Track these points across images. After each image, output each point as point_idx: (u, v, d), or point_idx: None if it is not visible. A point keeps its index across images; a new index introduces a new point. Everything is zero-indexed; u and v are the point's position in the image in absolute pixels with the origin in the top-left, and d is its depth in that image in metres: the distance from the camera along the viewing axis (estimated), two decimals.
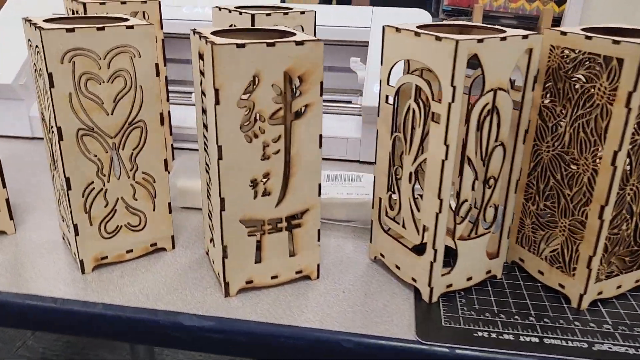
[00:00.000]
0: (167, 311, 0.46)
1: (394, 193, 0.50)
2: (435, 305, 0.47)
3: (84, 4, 0.61)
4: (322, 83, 0.44)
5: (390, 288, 0.50)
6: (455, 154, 0.43)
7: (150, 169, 0.51)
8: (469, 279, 0.49)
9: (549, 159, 0.48)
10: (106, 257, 0.52)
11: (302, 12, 0.62)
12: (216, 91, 0.41)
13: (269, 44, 0.41)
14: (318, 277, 0.51)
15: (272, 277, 0.49)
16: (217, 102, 0.42)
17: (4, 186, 0.56)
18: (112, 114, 0.48)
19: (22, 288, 0.49)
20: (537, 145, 0.48)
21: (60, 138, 0.46)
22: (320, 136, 0.46)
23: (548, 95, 0.47)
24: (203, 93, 0.45)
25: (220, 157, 0.43)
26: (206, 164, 0.48)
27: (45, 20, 0.48)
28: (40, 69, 0.46)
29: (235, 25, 0.61)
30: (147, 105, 0.49)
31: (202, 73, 0.44)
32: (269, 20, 0.60)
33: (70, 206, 0.48)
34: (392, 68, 0.46)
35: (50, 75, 0.44)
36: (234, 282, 0.48)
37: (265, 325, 0.45)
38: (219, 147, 0.43)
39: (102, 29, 0.45)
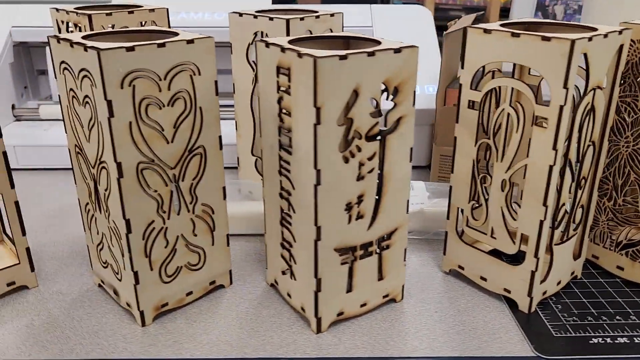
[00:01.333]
0: (262, 359, 0.41)
1: (477, 202, 0.47)
2: (534, 315, 0.46)
3: (89, 16, 0.53)
4: (415, 92, 0.41)
5: (479, 302, 0.48)
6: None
7: (209, 200, 0.45)
8: (559, 283, 0.48)
9: (628, 154, 0.47)
10: (166, 304, 0.46)
11: (332, 15, 0.58)
12: (317, 110, 0.37)
13: (369, 54, 0.37)
14: (402, 298, 0.48)
15: (362, 305, 0.45)
16: (318, 122, 0.37)
17: (24, 233, 0.48)
18: (172, 141, 0.41)
19: (75, 353, 0.41)
20: (615, 141, 0.48)
21: (120, 175, 0.39)
22: (411, 149, 0.43)
23: (628, 90, 0.46)
24: (283, 111, 0.40)
25: (318, 183, 0.39)
26: (284, 189, 0.43)
27: (84, 38, 0.41)
28: (87, 97, 0.39)
29: (265, 33, 0.56)
30: (206, 128, 0.43)
31: (283, 89, 0.40)
32: (303, 25, 0.56)
33: (130, 251, 0.42)
34: (476, 72, 0.44)
35: (109, 103, 0.37)
36: (325, 317, 0.44)
37: None
38: (318, 172, 0.38)
39: (163, 45, 0.39)
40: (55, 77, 0.43)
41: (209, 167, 0.44)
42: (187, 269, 0.46)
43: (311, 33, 0.57)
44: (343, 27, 0.60)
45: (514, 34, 0.40)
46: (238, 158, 0.65)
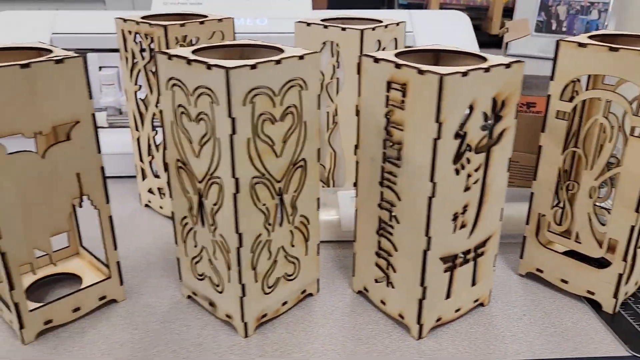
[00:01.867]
0: None
1: (562, 208, 0.49)
2: (618, 315, 0.48)
3: (165, 27, 0.53)
4: (517, 105, 0.42)
5: (562, 304, 0.50)
6: None
7: (306, 211, 0.46)
8: (636, 283, 0.50)
9: None
10: (265, 315, 0.46)
11: (397, 24, 0.59)
12: (439, 125, 0.38)
13: (485, 70, 0.39)
14: (488, 302, 0.49)
15: (456, 311, 0.47)
16: (438, 137, 0.38)
17: (116, 247, 0.48)
18: (280, 155, 0.42)
19: None
20: None
21: (237, 190, 0.40)
22: (509, 160, 0.44)
23: None
24: (392, 125, 0.41)
25: (433, 195, 0.40)
26: (385, 200, 0.44)
27: (194, 52, 0.41)
28: (203, 114, 0.39)
29: (336, 43, 0.57)
30: (308, 142, 0.44)
31: (393, 104, 0.41)
32: (374, 35, 0.56)
33: (239, 264, 0.42)
34: (567, 84, 0.45)
35: (233, 120, 0.38)
36: (427, 323, 0.45)
37: None
38: (434, 184, 0.40)
39: (279, 62, 0.39)
40: (156, 93, 0.43)
41: (308, 179, 0.45)
42: (284, 280, 0.47)
43: (380, 43, 0.58)
44: (405, 36, 0.61)
45: (612, 49, 0.42)
46: None
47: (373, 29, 0.56)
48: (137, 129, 0.62)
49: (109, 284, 0.48)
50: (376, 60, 0.41)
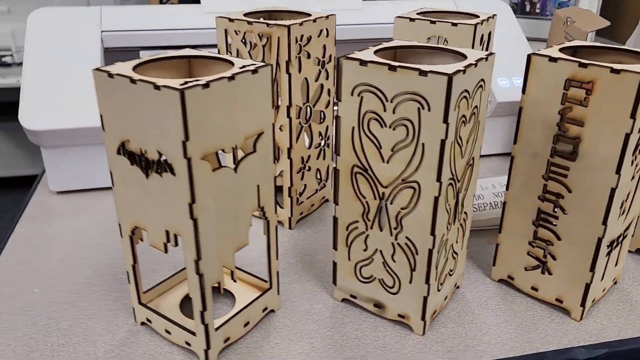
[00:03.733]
0: (556, 350, 0.44)
1: None
2: None
3: (289, 27, 0.52)
4: None
5: None
6: None
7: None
8: None
9: None
10: (435, 311, 0.47)
11: (492, 17, 0.61)
12: (633, 121, 0.40)
13: None
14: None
15: (603, 290, 0.50)
16: (630, 132, 0.40)
17: (277, 257, 0.47)
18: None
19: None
20: None
21: (439, 194, 0.40)
22: None
23: None
24: (570, 121, 0.43)
25: (616, 186, 0.42)
26: (549, 192, 0.46)
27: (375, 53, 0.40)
28: (405, 119, 0.39)
29: (444, 39, 0.58)
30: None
31: (572, 101, 0.42)
32: (482, 29, 0.58)
33: (429, 266, 0.43)
34: None
35: (447, 126, 0.38)
36: (587, 306, 0.48)
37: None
38: (619, 176, 0.42)
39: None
40: (339, 99, 0.42)
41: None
42: (448, 275, 0.48)
43: (482, 37, 0.59)
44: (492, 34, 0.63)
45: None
46: None
47: (481, 23, 0.57)
48: None
49: (270, 294, 0.47)
50: (553, 59, 0.43)
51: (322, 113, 0.61)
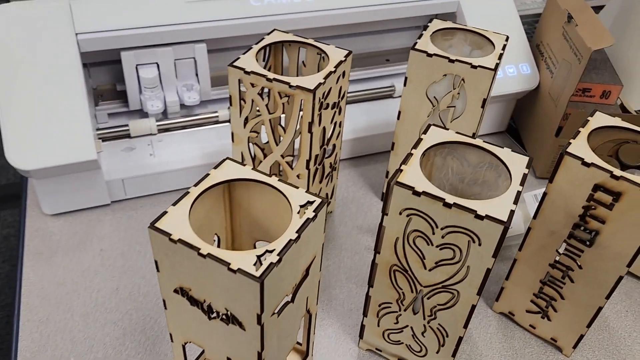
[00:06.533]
0: None
1: None
2: None
3: (314, 92, 0.49)
4: None
5: None
6: None
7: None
8: None
9: None
10: None
11: (503, 47, 0.59)
12: None
13: None
14: None
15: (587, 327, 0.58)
16: None
17: (320, 268, 0.50)
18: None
19: None
20: None
21: (476, 302, 0.44)
22: None
23: None
24: (592, 217, 0.46)
25: (624, 274, 0.47)
26: (559, 263, 0.50)
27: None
28: (455, 246, 0.41)
29: (461, 78, 0.56)
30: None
31: (606, 206, 0.45)
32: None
33: (458, 344, 0.48)
34: None
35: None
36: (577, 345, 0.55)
37: None
38: (628, 267, 0.47)
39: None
40: (386, 213, 0.43)
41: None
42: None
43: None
44: None
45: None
46: (387, 172, 0.68)
47: (498, 62, 0.56)
48: None
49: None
50: (586, 164, 0.44)
51: (333, 146, 0.60)
